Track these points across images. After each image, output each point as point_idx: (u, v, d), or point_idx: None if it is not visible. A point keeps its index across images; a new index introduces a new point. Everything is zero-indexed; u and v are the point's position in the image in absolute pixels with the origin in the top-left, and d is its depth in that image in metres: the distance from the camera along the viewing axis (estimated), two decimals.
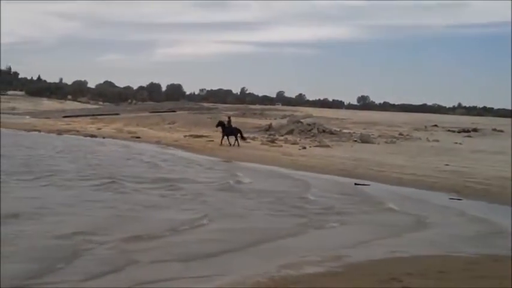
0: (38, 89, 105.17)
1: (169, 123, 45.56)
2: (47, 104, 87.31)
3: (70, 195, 12.23)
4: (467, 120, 63.05)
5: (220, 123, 29.41)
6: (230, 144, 28.25)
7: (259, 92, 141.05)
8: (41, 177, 14.81)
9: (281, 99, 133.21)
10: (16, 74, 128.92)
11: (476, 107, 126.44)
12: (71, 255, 7.38)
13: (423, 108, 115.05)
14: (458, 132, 45.01)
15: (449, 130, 47.20)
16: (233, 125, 29.71)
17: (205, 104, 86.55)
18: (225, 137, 28.70)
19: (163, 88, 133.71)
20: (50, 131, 36.94)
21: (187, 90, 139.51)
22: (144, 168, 18.69)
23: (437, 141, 35.94)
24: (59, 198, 11.67)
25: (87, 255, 7.46)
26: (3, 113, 61.00)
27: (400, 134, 40.98)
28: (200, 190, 13.86)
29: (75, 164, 18.59)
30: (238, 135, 28.64)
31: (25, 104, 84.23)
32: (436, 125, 52.28)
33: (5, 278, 6.35)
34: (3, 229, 8.55)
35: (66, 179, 14.72)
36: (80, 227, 9.02)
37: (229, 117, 31.04)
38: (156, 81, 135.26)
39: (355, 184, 16.24)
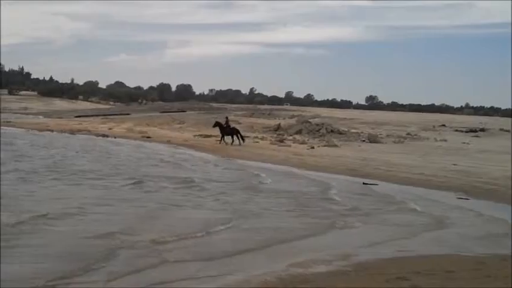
0: (50, 89, 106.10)
1: (179, 123, 45.88)
2: (59, 104, 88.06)
3: (97, 195, 12.26)
4: (475, 120, 62.64)
5: (217, 124, 29.84)
6: (226, 143, 28.84)
7: (268, 92, 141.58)
8: (65, 177, 14.80)
9: (290, 99, 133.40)
10: (28, 74, 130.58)
11: (483, 107, 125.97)
12: (102, 255, 7.50)
13: (431, 108, 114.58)
14: (466, 132, 44.77)
15: (457, 130, 46.88)
16: (231, 125, 30.38)
17: (215, 104, 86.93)
18: (224, 137, 29.29)
19: (173, 88, 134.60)
20: (62, 131, 37.36)
21: (197, 90, 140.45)
22: (165, 168, 18.80)
23: (445, 141, 35.87)
24: (88, 198, 11.73)
25: (118, 255, 7.58)
26: (16, 113, 61.95)
27: (408, 133, 40.87)
28: (221, 190, 14.02)
29: (98, 164, 18.64)
30: (238, 135, 29.19)
31: (37, 104, 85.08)
32: (444, 125, 52.03)
33: (35, 278, 6.44)
34: (34, 228, 8.73)
35: (90, 178, 14.78)
36: (110, 226, 9.17)
37: (227, 118, 31.56)
38: (166, 81, 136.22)
39: (364, 184, 16.35)
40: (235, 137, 29.11)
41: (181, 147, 28.46)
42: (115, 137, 33.59)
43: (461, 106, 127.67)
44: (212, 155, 24.65)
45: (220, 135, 29.56)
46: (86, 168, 17.26)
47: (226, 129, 29.52)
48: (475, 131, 45.33)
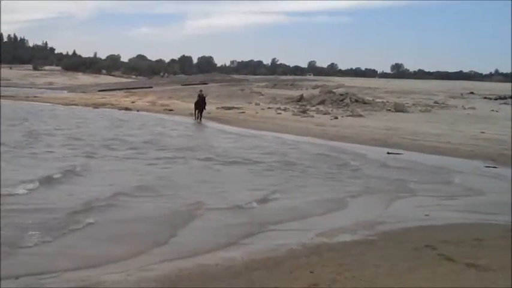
0: (74, 63, 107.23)
1: None
2: (83, 78, 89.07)
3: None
4: (504, 87, 61.01)
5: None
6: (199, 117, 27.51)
7: (290, 62, 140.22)
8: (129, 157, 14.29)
9: (312, 69, 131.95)
10: (52, 49, 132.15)
11: None
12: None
13: (459, 76, 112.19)
14: (495, 99, 44.65)
15: (485, 97, 46.77)
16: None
17: (236, 76, 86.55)
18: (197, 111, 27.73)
19: (195, 61, 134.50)
20: (86, 105, 37.59)
21: (218, 62, 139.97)
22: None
23: (473, 108, 35.66)
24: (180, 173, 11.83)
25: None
26: (41, 88, 62.93)
27: (436, 102, 40.66)
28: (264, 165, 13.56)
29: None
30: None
31: (62, 78, 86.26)
32: (472, 93, 51.70)
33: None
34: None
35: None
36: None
37: (201, 91, 30.02)
38: (187, 53, 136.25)
39: (388, 153, 16.19)
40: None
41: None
42: (138, 111, 33.66)
43: (491, 73, 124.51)
44: (235, 127, 24.34)
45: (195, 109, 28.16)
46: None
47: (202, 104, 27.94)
48: (504, 98, 45.11)
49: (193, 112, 28.24)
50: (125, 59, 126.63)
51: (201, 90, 30.37)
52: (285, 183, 11.14)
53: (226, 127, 24.38)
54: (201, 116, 27.72)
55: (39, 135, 18.18)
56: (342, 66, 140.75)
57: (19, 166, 11.77)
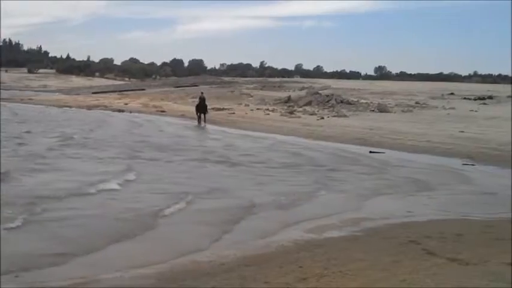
0: (68, 67, 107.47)
1: (192, 97, 46.86)
2: (76, 81, 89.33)
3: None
4: (483, 88, 61.43)
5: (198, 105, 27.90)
6: (203, 121, 27.07)
7: (278, 65, 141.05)
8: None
9: (299, 71, 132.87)
10: (46, 53, 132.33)
11: (492, 74, 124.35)
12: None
13: (440, 77, 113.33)
14: (474, 99, 44.69)
15: (465, 98, 46.78)
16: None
17: (226, 78, 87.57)
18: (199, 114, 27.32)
19: (186, 63, 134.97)
20: (80, 106, 38.25)
21: (209, 65, 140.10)
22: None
23: (453, 109, 35.98)
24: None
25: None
26: (37, 91, 63.67)
27: (417, 102, 41.08)
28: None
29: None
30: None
31: (56, 81, 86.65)
32: (452, 93, 52.05)
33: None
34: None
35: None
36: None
37: (202, 93, 29.83)
38: (178, 57, 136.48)
39: (370, 152, 16.57)
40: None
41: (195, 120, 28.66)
42: (130, 112, 34.25)
43: (470, 74, 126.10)
44: (225, 127, 25.05)
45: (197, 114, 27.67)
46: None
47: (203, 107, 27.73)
48: (483, 98, 45.26)
49: (196, 115, 27.61)
50: (117, 62, 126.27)
51: (202, 93, 30.05)
52: (324, 182, 11.49)
53: (224, 128, 24.74)
54: (204, 118, 27.18)
55: (68, 139, 18.28)
56: (328, 68, 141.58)
57: (73, 172, 11.73)
